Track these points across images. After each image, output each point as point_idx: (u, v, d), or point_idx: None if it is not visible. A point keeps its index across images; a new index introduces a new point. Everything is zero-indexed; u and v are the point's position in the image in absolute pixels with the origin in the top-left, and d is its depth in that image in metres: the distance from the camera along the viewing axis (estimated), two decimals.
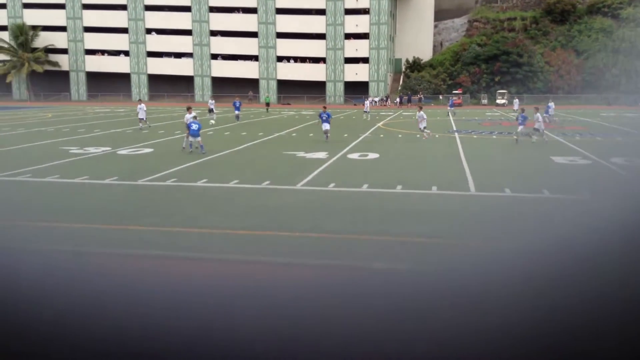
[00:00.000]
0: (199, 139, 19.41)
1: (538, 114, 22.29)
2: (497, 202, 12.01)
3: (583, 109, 53.44)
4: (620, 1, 66.25)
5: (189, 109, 21.29)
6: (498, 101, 59.21)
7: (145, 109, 29.72)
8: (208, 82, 71.87)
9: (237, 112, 36.00)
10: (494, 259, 1.15)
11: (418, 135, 27.10)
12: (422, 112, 25.39)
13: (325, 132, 22.99)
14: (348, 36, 67.68)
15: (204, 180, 14.24)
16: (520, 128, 22.60)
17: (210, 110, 36.37)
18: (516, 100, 44.98)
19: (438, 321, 0.89)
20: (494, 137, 26.58)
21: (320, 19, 67.71)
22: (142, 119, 29.24)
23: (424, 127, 25.10)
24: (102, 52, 73.15)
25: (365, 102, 43.05)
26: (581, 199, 11.99)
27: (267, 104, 50.42)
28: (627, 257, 0.98)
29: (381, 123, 36.00)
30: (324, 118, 22.94)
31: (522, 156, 19.19)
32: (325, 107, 24.17)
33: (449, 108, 42.60)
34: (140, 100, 31.52)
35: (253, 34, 69.57)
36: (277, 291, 0.97)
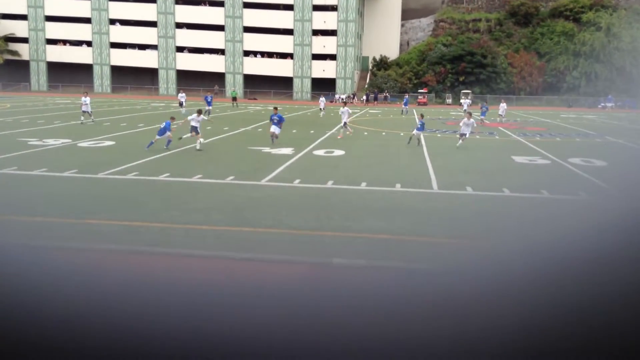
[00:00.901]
0: (169, 133, 18.87)
1: (472, 120, 21.74)
2: (459, 199, 12.19)
3: (544, 110, 54.71)
4: (581, 5, 68.00)
5: (199, 112, 20.45)
6: (462, 101, 60.12)
7: (89, 102, 28.74)
8: (173, 75, 70.80)
9: (209, 107, 35.48)
10: (457, 256, 1.15)
11: (384, 133, 27.28)
12: (346, 108, 24.95)
13: (272, 134, 20.73)
14: (316, 32, 67.62)
15: (166, 174, 14.02)
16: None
17: (181, 104, 35.92)
18: (467, 101, 45.67)
19: (402, 316, 0.90)
20: (458, 136, 26.93)
21: (288, 14, 67.46)
22: (86, 112, 28.27)
23: (345, 124, 24.41)
24: (64, 42, 71.24)
25: (321, 99, 42.25)
26: (540, 197, 12.28)
27: (234, 99, 49.98)
28: (579, 246, 0.99)
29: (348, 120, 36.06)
30: (275, 121, 20.82)
31: (484, 155, 19.53)
32: (276, 109, 21.90)
33: (402, 107, 43.29)
34: (85, 92, 30.51)
35: (220, 28, 68.82)
36: (238, 287, 0.96)
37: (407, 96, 48.04)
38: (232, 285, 1.00)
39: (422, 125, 22.00)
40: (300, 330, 0.86)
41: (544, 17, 70.48)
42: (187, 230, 9.07)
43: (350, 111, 25.18)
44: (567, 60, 63.83)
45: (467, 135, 21.25)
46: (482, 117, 31.84)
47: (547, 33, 67.74)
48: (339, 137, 23.81)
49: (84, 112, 28.28)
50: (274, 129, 20.87)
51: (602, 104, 58.55)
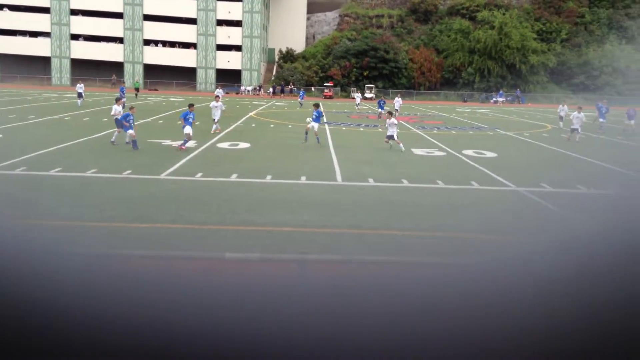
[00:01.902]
0: (132, 131, 16.98)
1: (393, 119, 21.34)
2: (362, 191, 12.45)
3: (442, 104, 57.27)
4: (477, 4, 71.70)
5: (117, 101, 19.36)
6: (366, 95, 61.53)
7: None
8: (67, 64, 66.81)
9: (122, 98, 33.59)
10: (362, 246, 1.15)
11: (290, 126, 27.34)
12: (220, 103, 23.40)
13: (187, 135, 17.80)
14: (220, 23, 66.40)
15: (58, 169, 13.19)
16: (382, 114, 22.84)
17: (79, 95, 33.93)
18: (357, 95, 46.72)
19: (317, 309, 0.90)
20: (362, 129, 27.55)
21: (191, 3, 65.71)
22: None
23: (216, 120, 22.63)
24: None
25: (218, 90, 40.97)
26: (435, 187, 12.82)
27: (137, 89, 47.88)
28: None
29: (253, 112, 35.83)
30: (190, 121, 18.25)
31: (386, 148, 20.08)
32: (191, 106, 18.92)
33: (299, 99, 43.57)
34: None
35: (118, 15, 65.76)
36: (138, 285, 0.93)
37: (302, 90, 48.35)
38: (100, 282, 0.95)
39: (318, 116, 19.67)
40: (167, 327, 0.85)
41: (443, 14, 73.64)
42: (81, 227, 8.58)
43: (224, 107, 23.35)
44: (463, 56, 67.08)
45: (395, 136, 19.23)
46: (381, 110, 32.66)
47: (445, 30, 70.81)
48: (212, 132, 21.81)
49: None
50: (187, 129, 18.37)
51: (494, 99, 62.22)
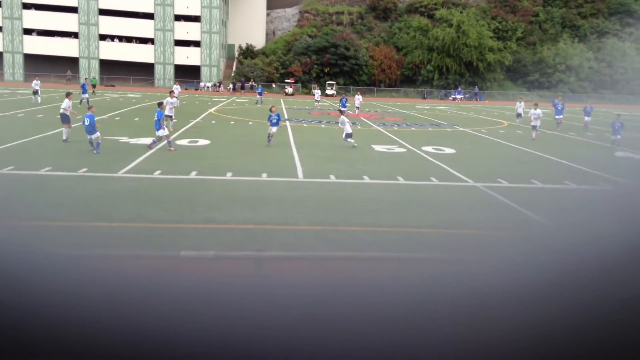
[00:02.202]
0: (98, 134, 15.78)
1: (343, 117, 20.09)
2: (323, 187, 12.46)
3: (402, 101, 57.87)
4: (435, 2, 72.68)
5: (68, 95, 18.59)
6: (327, 91, 61.63)
7: None
8: (20, 59, 64.62)
9: (84, 94, 32.67)
10: (324, 243, 1.14)
11: (251, 123, 27.16)
12: (174, 99, 23.10)
13: (160, 138, 16.87)
14: (178, 18, 65.34)
15: (10, 167, 12.75)
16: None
17: (35, 92, 32.80)
18: (317, 91, 46.88)
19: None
20: (323, 126, 27.59)
21: None
22: None
23: (171, 118, 21.59)
24: None
25: (175, 86, 40.01)
26: (396, 183, 12.95)
27: (94, 86, 46.53)
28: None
29: (213, 109, 35.44)
30: (274, 121, 18.49)
31: (347, 145, 20.14)
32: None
33: (257, 96, 42.84)
34: None
35: (73, 9, 63.94)
36: (92, 285, 0.92)
37: (260, 86, 47.94)
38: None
39: (278, 119, 18.86)
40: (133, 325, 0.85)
41: (402, 12, 74.35)
42: (35, 227, 8.30)
43: (177, 104, 22.34)
44: (422, 54, 67.90)
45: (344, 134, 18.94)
46: (343, 108, 32.27)
47: (404, 28, 71.51)
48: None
49: None
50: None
51: (453, 96, 63.26)
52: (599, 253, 0.91)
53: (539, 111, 23.29)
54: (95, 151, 15.41)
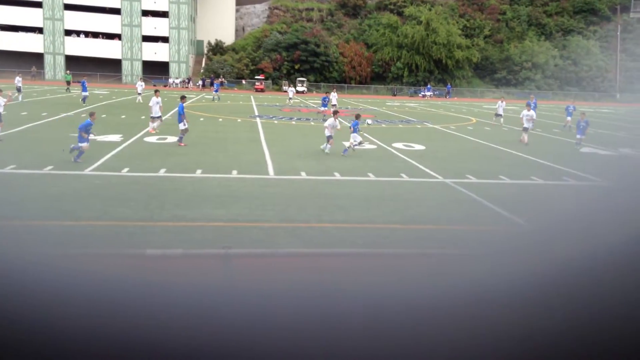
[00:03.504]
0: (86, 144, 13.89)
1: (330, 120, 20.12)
2: (294, 184, 12.44)
3: (372, 98, 58.14)
4: (404, 0, 73.25)
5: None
6: (298, 88, 61.54)
7: None
8: None
9: (84, 92, 31.88)
10: (298, 240, 1.13)
11: (221, 120, 26.93)
12: (159, 98, 21.18)
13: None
14: (146, 13, 64.33)
15: None
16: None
17: (18, 89, 31.84)
18: (291, 89, 45.25)
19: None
20: (294, 123, 27.53)
21: None
22: None
23: (156, 117, 20.47)
24: None
25: (138, 83, 39.10)
26: (366, 180, 13.01)
27: (68, 83, 45.04)
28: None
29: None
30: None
31: (318, 142, 20.14)
32: (183, 98, 18.34)
33: (213, 92, 41.79)
34: None
35: (37, 4, 62.36)
36: (57, 285, 0.90)
37: (217, 82, 46.79)
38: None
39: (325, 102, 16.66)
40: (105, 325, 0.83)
41: (371, 9, 74.67)
42: None
43: (160, 103, 20.65)
44: (392, 51, 68.31)
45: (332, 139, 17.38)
46: (324, 108, 30.91)
47: (374, 25, 71.83)
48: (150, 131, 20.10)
49: None
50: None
51: (422, 93, 63.85)
52: (586, 250, 0.92)
53: (531, 112, 21.55)
54: (74, 159, 13.54)
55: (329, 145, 16.98)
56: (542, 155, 17.75)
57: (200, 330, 0.83)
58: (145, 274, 1.09)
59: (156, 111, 20.14)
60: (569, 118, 27.04)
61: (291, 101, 41.38)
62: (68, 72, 48.68)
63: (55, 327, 0.81)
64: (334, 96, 34.20)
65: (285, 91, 62.32)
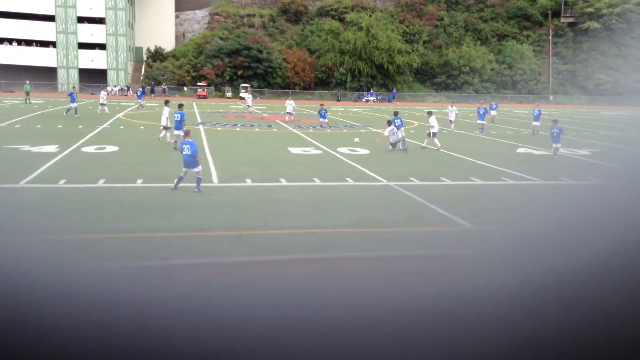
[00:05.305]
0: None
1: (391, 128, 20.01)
2: (239, 192, 12.31)
3: (317, 104, 58.30)
4: (344, 6, 74.01)
5: None
6: (241, 94, 61.07)
7: None
8: None
9: (73, 103, 30.30)
10: (244, 247, 1.11)
11: (161, 127, 26.40)
12: (169, 109, 22.35)
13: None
14: (82, 20, 62.39)
15: None
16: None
17: None
18: (248, 95, 44.22)
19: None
20: (238, 129, 27.29)
21: None
22: None
23: (168, 127, 19.98)
24: None
25: (102, 92, 38.18)
26: (312, 185, 13.03)
27: (27, 93, 42.84)
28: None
29: (122, 114, 34.12)
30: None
31: (263, 148, 20.05)
32: (181, 106, 18.50)
33: (137, 99, 40.87)
34: None
35: None
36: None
37: (140, 89, 45.62)
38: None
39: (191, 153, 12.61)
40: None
41: (313, 15, 75.10)
42: None
43: (105, 102, 20.05)
44: (335, 57, 68.89)
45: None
46: (323, 119, 29.58)
47: (316, 31, 72.27)
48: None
49: None
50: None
51: (366, 98, 64.69)
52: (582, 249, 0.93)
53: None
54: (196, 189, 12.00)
55: (399, 143, 19.92)
56: (481, 157, 18.29)
57: (139, 341, 0.81)
58: (83, 287, 1.05)
59: (167, 120, 19.65)
60: (536, 123, 26.97)
61: (250, 109, 40.53)
62: (27, 82, 46.00)
63: None
64: (289, 104, 33.18)
65: (229, 97, 61.96)
